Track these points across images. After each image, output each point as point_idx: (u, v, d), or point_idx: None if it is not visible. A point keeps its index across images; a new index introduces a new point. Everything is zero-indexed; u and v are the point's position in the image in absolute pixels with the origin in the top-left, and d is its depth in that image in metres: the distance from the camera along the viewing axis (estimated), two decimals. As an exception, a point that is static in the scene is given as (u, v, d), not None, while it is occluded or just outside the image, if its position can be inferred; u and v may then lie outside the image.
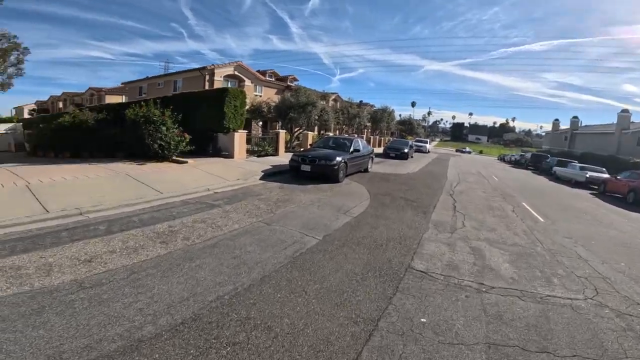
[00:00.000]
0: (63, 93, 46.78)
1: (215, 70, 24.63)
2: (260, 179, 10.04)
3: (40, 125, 22.02)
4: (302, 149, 18.54)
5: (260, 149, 15.21)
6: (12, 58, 16.06)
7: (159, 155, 11.13)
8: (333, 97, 37.24)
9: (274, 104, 21.97)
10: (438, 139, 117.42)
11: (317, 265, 4.23)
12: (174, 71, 28.28)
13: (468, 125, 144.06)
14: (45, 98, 52.33)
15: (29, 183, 7.11)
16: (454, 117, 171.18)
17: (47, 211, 5.48)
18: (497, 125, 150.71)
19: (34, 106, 51.28)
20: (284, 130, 17.64)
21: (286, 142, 17.76)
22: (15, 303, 2.84)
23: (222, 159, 12.69)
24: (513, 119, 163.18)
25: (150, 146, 10.93)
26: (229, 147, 13.14)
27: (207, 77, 24.24)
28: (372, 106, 47.33)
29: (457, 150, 62.91)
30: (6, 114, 50.52)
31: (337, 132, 33.72)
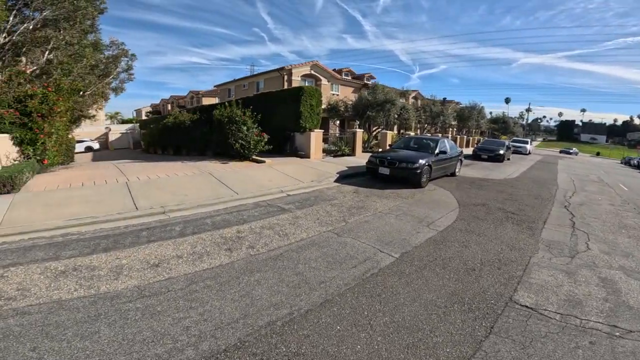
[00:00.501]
0: (170, 96, 54.12)
1: (293, 70, 25.19)
2: (335, 181, 9.57)
3: (151, 126, 25.66)
4: (380, 150, 17.62)
5: (336, 148, 14.83)
6: (123, 64, 18.53)
7: (240, 155, 11.55)
8: (413, 94, 34.99)
9: (350, 102, 21.42)
10: (540, 139, 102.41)
11: (390, 291, 3.50)
12: (256, 73, 29.90)
13: (580, 123, 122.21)
14: (157, 101, 61.31)
15: (128, 180, 7.90)
16: (560, 114, 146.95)
17: (137, 209, 5.86)
18: (619, 123, 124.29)
19: (149, 109, 60.42)
20: (362, 130, 16.94)
21: (363, 142, 17.06)
22: (76, 308, 2.83)
23: (298, 158, 12.64)
24: (639, 116, 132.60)
25: (233, 145, 11.41)
26: (305, 147, 13.04)
27: (286, 77, 24.94)
28: (457, 103, 43.25)
29: (560, 151, 53.69)
30: (128, 115, 60.67)
31: (419, 131, 31.59)
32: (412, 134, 22.91)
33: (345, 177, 10.09)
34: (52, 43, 12.45)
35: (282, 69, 25.07)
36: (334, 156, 14.33)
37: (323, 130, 13.62)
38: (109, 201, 6.16)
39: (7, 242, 4.30)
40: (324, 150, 14.24)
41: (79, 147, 27.61)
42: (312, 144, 12.75)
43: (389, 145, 12.89)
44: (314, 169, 10.66)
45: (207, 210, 6.14)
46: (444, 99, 43.40)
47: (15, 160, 9.35)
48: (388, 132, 18.59)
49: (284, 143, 13.80)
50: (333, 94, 27.51)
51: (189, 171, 9.31)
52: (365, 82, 31.83)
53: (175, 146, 18.17)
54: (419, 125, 29.69)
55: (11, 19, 11.95)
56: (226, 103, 12.60)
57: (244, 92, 27.35)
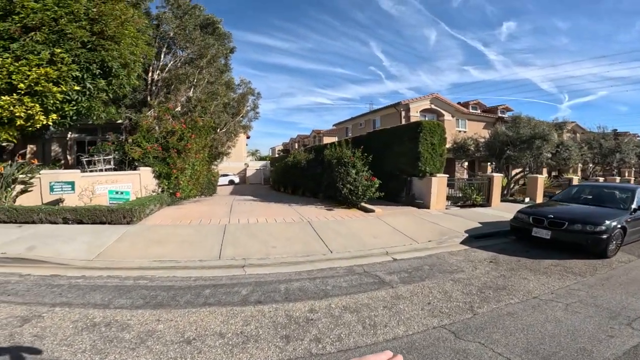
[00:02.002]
0: (297, 135, 59.59)
1: (410, 105, 23.45)
2: (462, 242, 7.24)
3: (276, 164, 28.02)
4: (526, 199, 13.74)
5: (465, 197, 12.12)
6: (250, 102, 20.36)
7: (348, 201, 10.46)
8: (570, 126, 27.90)
9: (482, 139, 18.10)
10: None
11: None
12: (372, 109, 29.29)
13: None
14: (288, 140, 68.59)
15: (229, 222, 7.70)
16: None
17: (219, 257, 5.34)
18: None
19: (281, 147, 68.03)
20: (500, 174, 13.61)
21: (502, 189, 13.65)
22: None
23: (414, 209, 10.67)
24: None
25: (341, 190, 10.44)
26: (424, 195, 10.99)
27: (403, 114, 23.39)
28: (635, 135, 32.40)
29: None
30: (265, 153, 69.77)
31: (580, 173, 24.54)
32: (575, 178, 17.50)
33: (477, 238, 7.59)
34: (192, 80, 14.62)
35: (398, 104, 23.74)
36: (461, 206, 11.66)
37: (447, 175, 11.32)
38: (200, 245, 5.93)
39: (86, 276, 4.51)
40: (448, 198, 11.80)
41: (224, 180, 32.44)
42: (432, 192, 10.61)
43: (546, 195, 9.55)
44: (433, 223, 8.53)
45: (289, 270, 5.05)
46: (615, 130, 33.36)
47: (153, 192, 10.75)
48: (538, 176, 14.50)
49: (399, 189, 12.08)
50: (459, 131, 24.28)
51: (290, 217, 8.68)
52: (500, 115, 27.29)
53: (293, 185, 18.73)
54: (582, 166, 23.06)
55: (162, 57, 14.71)
56: (336, 143, 11.97)
57: (360, 131, 27.09)
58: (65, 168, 12.59)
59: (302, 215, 8.91)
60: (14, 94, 7.22)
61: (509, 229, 7.64)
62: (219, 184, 21.88)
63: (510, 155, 15.49)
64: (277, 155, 53.70)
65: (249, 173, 39.07)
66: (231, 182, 35.18)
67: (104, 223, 7.10)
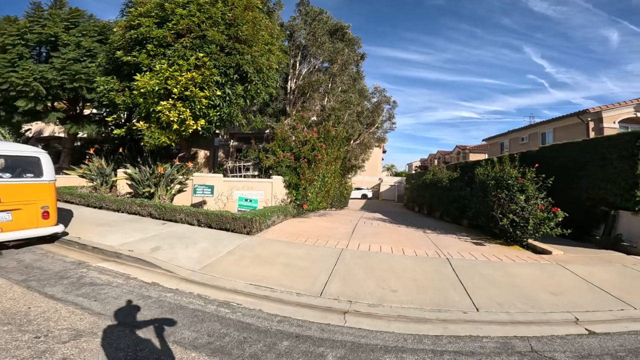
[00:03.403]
0: (437, 152, 54.39)
1: (603, 114, 16.95)
2: None
3: (412, 181, 25.67)
4: None
5: None
6: (385, 112, 18.85)
7: (507, 235, 7.68)
8: None
9: None
10: None
11: None
12: (541, 121, 22.94)
13: None
14: (426, 156, 63.88)
15: (345, 247, 6.48)
16: None
17: (320, 295, 4.13)
18: None
19: (418, 163, 64.01)
20: None
21: None
22: None
23: (619, 254, 6.86)
24: None
25: (498, 220, 7.76)
26: (635, 235, 6.99)
27: (592, 125, 17.20)
28: None
29: None
30: (401, 168, 66.97)
31: None
32: None
33: None
34: (325, 87, 14.42)
35: (583, 112, 17.69)
36: None
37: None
38: (305, 272, 4.91)
39: (179, 291, 4.11)
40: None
41: (356, 194, 32.31)
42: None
43: None
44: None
45: (406, 331, 3.35)
46: None
47: (281, 202, 10.72)
48: None
49: (590, 225, 8.23)
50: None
51: (422, 248, 6.78)
52: None
53: (429, 206, 16.34)
54: None
55: (298, 65, 15.03)
56: (494, 159, 9.22)
57: (521, 147, 21.72)
58: (224, 173, 14.38)
59: (439, 248, 6.85)
60: (169, 99, 8.11)
61: None
62: (351, 197, 21.49)
63: None
64: (413, 172, 50.67)
65: (383, 188, 37.88)
66: (364, 197, 34.73)
67: (227, 230, 7.08)
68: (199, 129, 8.79)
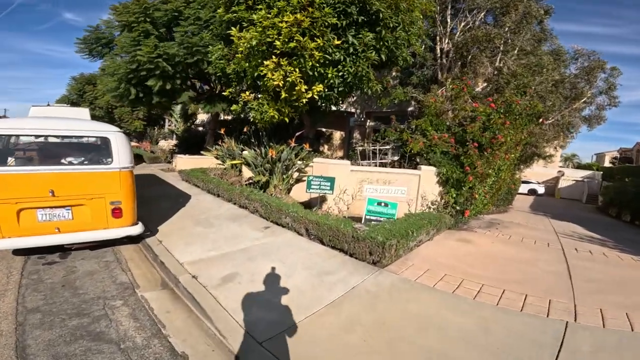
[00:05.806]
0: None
1: None
2: None
3: (618, 177, 17.31)
4: None
5: None
6: (600, 82, 12.33)
7: None
8: None
9: None
10: None
11: None
12: None
13: None
14: (630, 145, 45.43)
15: (574, 319, 2.85)
16: None
17: None
18: None
19: (615, 154, 46.47)
20: None
21: None
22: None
23: None
24: None
25: None
26: None
27: None
28: None
29: None
30: (586, 160, 50.18)
31: None
32: None
33: None
34: (497, 43, 9.77)
35: None
36: None
37: None
38: None
39: None
40: None
41: (522, 188, 24.88)
42: None
43: None
44: None
45: None
46: None
47: (430, 206, 7.43)
48: None
49: None
50: None
51: None
52: None
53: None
54: None
55: (449, 20, 10.59)
56: None
57: None
58: (354, 159, 12.06)
59: None
60: (273, 57, 5.96)
61: None
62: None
63: None
64: (610, 164, 36.89)
65: (563, 184, 28.46)
66: (531, 192, 26.79)
67: (343, 252, 4.53)
68: (316, 97, 6.43)
